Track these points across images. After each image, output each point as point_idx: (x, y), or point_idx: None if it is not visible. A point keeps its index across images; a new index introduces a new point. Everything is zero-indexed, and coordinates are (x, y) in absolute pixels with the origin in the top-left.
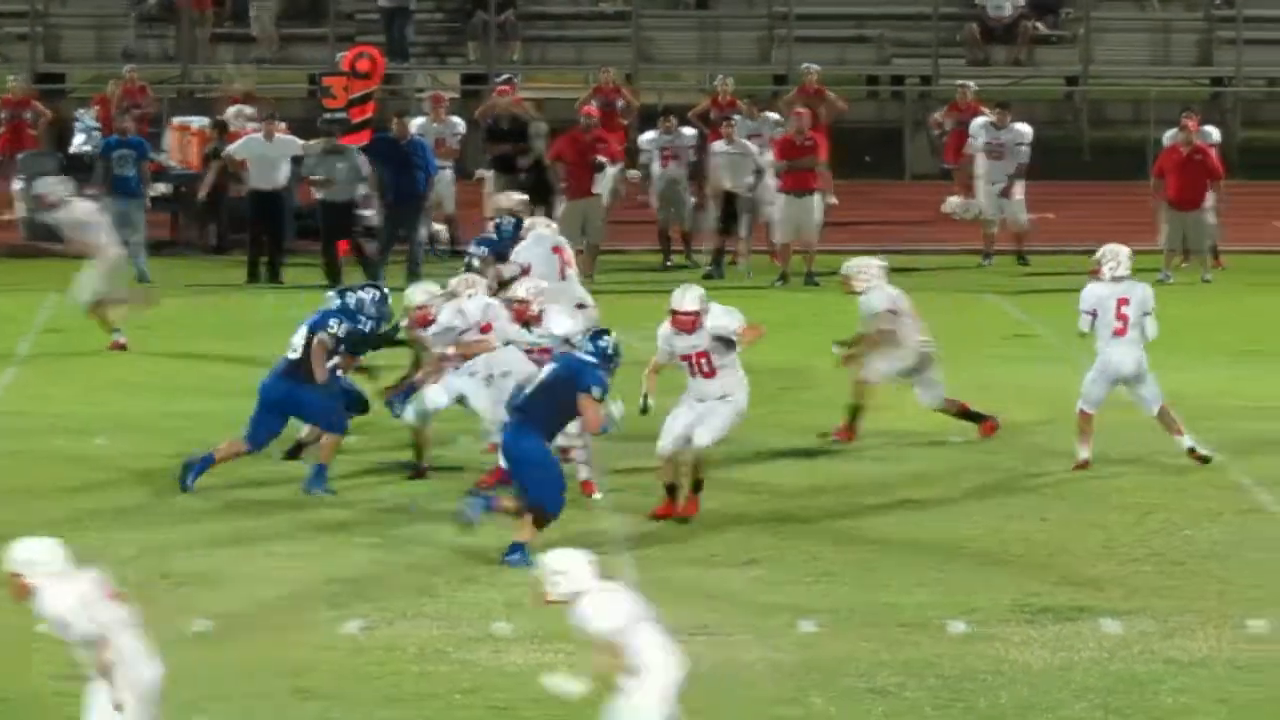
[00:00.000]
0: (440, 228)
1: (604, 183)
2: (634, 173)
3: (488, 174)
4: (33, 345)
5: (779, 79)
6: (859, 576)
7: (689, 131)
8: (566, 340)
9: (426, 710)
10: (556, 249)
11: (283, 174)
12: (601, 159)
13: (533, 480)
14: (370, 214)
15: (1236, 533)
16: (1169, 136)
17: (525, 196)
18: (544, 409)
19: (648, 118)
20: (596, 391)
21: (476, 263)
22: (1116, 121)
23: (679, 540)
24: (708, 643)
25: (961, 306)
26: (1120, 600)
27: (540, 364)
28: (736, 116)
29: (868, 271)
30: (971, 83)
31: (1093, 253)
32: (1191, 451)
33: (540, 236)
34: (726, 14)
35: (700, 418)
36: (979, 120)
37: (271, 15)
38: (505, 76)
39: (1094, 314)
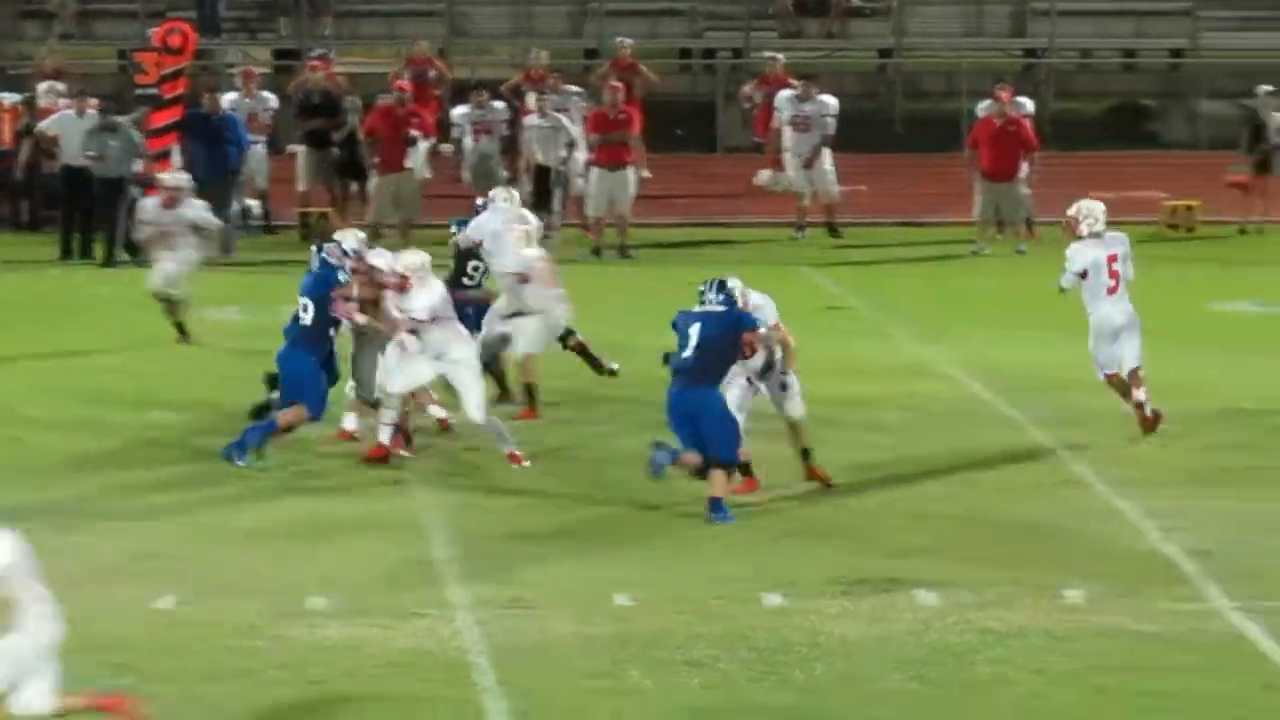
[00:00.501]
0: (253, 203)
1: (417, 157)
2: (446, 147)
3: (300, 149)
4: None
5: (591, 53)
6: (674, 550)
7: (501, 106)
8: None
9: (243, 686)
10: (511, 222)
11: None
12: (414, 133)
13: (711, 434)
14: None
15: (1052, 504)
16: (983, 108)
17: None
18: (712, 361)
19: (460, 92)
20: (759, 329)
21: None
22: (930, 93)
23: (495, 515)
24: (522, 616)
25: (775, 279)
26: (936, 572)
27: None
28: (548, 91)
29: None
30: (780, 55)
31: (906, 224)
32: (1141, 410)
33: (500, 210)
34: None
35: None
36: (785, 93)
37: None
38: (318, 52)
39: (1084, 274)
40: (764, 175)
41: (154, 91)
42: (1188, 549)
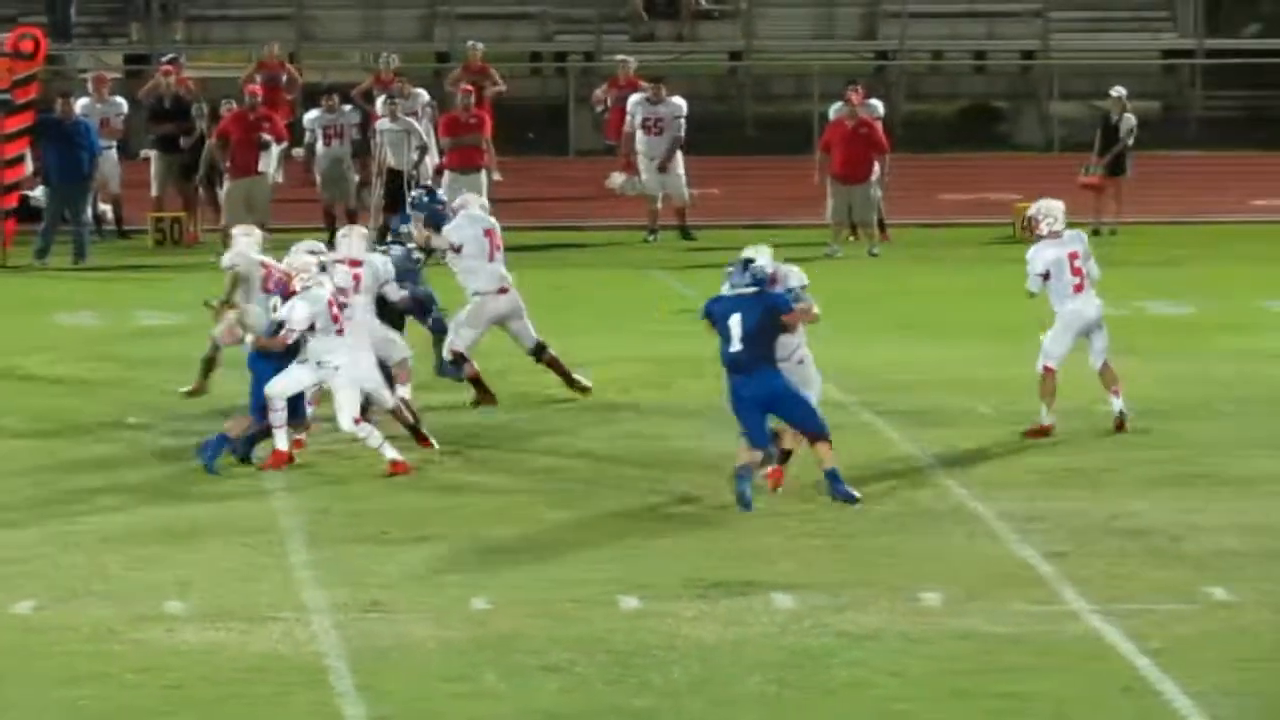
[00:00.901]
0: (106, 207)
1: (269, 161)
2: (298, 151)
3: (152, 154)
4: None
5: (442, 57)
6: (532, 553)
7: (352, 110)
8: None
9: (100, 689)
10: (488, 231)
11: None
12: (266, 137)
13: (794, 413)
14: (35, 194)
15: (907, 506)
16: (834, 110)
17: None
18: (761, 348)
19: (311, 96)
20: (795, 304)
21: (406, 227)
22: (781, 96)
23: (353, 519)
24: (379, 620)
25: (628, 282)
26: (792, 574)
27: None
28: (402, 93)
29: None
30: (631, 59)
31: (759, 227)
32: (1120, 418)
33: (473, 217)
34: None
35: None
36: (636, 96)
37: None
38: (169, 56)
39: (1047, 275)
40: (615, 178)
41: (6, 97)
42: (1044, 551)
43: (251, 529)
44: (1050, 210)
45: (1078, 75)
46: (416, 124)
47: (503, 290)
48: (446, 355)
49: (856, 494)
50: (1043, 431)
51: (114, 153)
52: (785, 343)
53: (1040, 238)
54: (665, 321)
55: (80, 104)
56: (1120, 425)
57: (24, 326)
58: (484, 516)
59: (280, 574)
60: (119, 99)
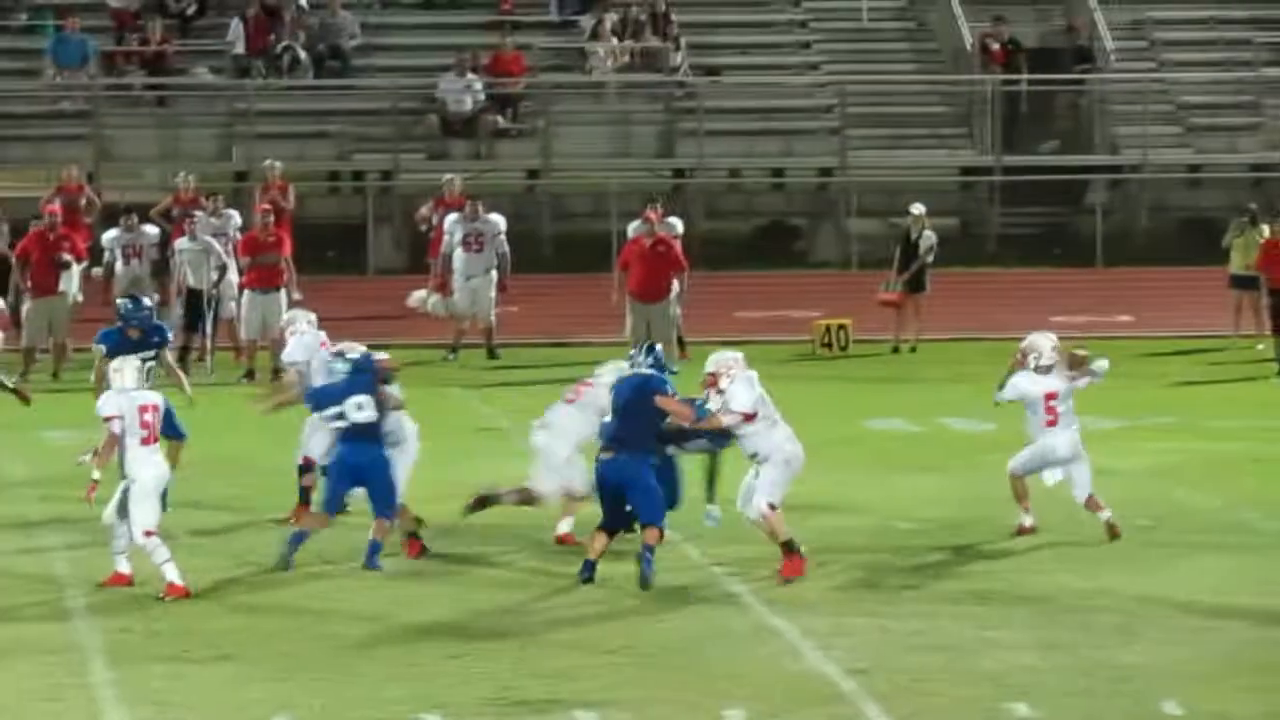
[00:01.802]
0: None
1: (69, 281)
2: (97, 270)
3: None
4: None
5: (240, 175)
6: (332, 669)
7: (151, 229)
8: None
9: None
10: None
11: None
12: (66, 257)
13: (641, 502)
14: None
15: (710, 622)
16: (633, 228)
17: None
18: (634, 429)
19: (110, 215)
20: (669, 389)
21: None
22: (578, 215)
23: (154, 638)
24: None
25: (429, 401)
26: (594, 692)
27: None
28: (199, 213)
29: None
30: (457, 177)
31: (559, 345)
32: (1110, 526)
33: (314, 334)
34: (186, 111)
35: None
36: (453, 215)
37: None
38: None
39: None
40: (418, 295)
41: None
42: (845, 668)
43: (52, 648)
44: (1037, 346)
45: (875, 192)
46: (215, 243)
47: None
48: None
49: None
50: (1027, 531)
51: None
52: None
53: (1025, 370)
54: (464, 439)
55: None
56: (1113, 533)
57: None
58: (283, 634)
59: (83, 693)
60: None
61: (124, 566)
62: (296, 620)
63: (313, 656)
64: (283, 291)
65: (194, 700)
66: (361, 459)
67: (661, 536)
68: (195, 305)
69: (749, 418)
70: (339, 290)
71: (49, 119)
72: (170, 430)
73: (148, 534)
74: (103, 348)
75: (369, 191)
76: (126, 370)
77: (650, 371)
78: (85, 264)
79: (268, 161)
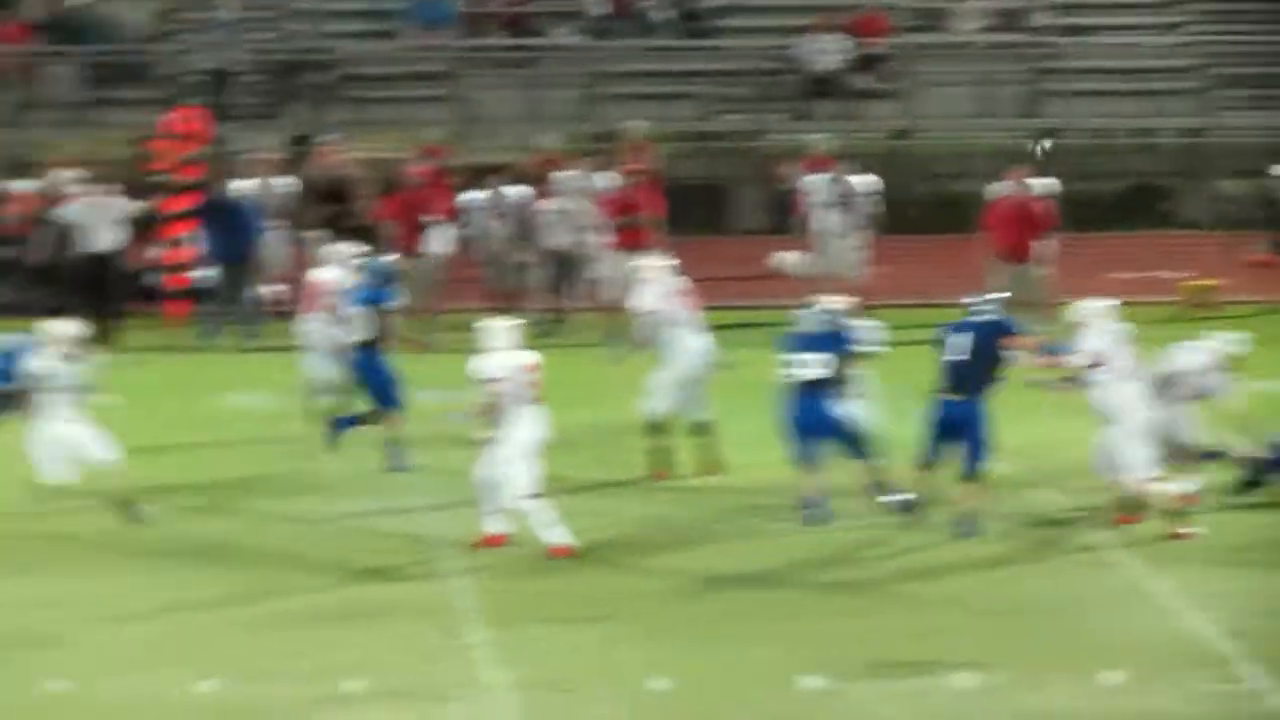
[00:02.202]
0: (269, 289)
1: (432, 242)
2: (462, 232)
3: (313, 235)
4: None
5: (602, 136)
6: (705, 631)
7: (514, 191)
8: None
9: None
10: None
11: (112, 237)
12: (429, 218)
13: (974, 449)
14: (206, 275)
15: (1074, 579)
16: (997, 189)
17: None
18: (980, 372)
19: (473, 176)
20: (1018, 330)
21: None
22: (942, 175)
23: (529, 598)
24: (560, 699)
25: None
26: (972, 653)
27: None
28: (562, 175)
29: None
30: (823, 138)
31: (925, 306)
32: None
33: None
34: (548, 72)
35: None
36: (817, 176)
37: (72, 80)
38: (329, 137)
39: None
40: (784, 257)
41: (167, 178)
42: (1224, 628)
43: (427, 608)
44: None
45: (1242, 153)
46: (578, 204)
47: None
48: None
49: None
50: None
51: (277, 235)
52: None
53: None
54: None
55: (241, 186)
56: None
57: (191, 408)
58: (658, 595)
59: (457, 653)
60: (280, 180)
61: (497, 527)
62: (673, 581)
63: (688, 619)
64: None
65: (569, 660)
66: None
67: (983, 488)
68: (559, 267)
69: (1093, 364)
70: (702, 250)
71: (410, 80)
72: None
73: (530, 495)
74: None
75: (731, 152)
76: (502, 331)
77: (997, 316)
78: (449, 225)
79: (631, 123)
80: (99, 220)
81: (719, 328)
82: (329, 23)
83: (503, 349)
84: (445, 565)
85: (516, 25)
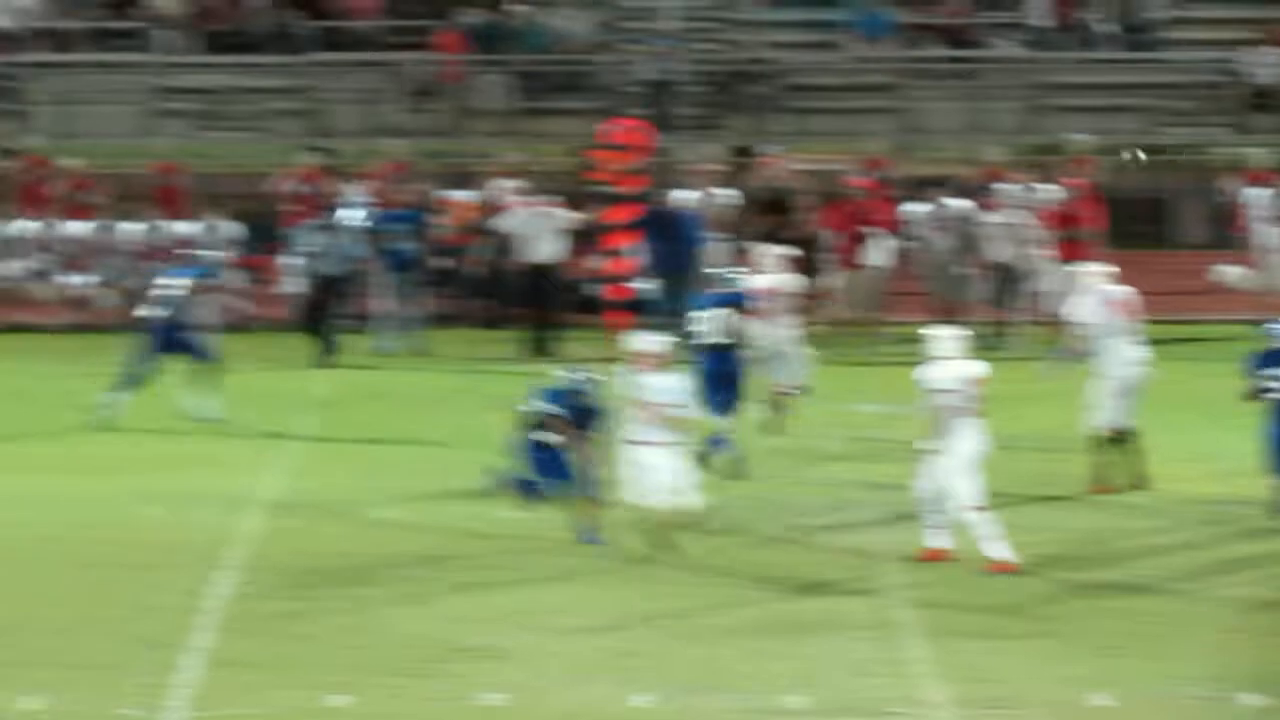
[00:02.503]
0: None
1: (872, 254)
2: (903, 244)
3: (755, 246)
4: (307, 423)
5: (1044, 149)
6: (1143, 647)
7: (957, 203)
8: None
9: None
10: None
11: (551, 247)
12: (870, 230)
13: None
14: (646, 287)
15: None
16: None
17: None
18: None
19: (914, 188)
20: None
21: None
22: None
23: (966, 612)
24: (1000, 716)
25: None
26: None
27: None
28: (1004, 186)
29: None
30: (1262, 151)
31: None
32: None
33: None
34: (991, 84)
35: None
36: (1258, 190)
37: (503, 90)
38: (770, 148)
39: None
40: (1226, 270)
41: (607, 188)
42: None
43: (864, 623)
44: None
45: None
46: (1022, 216)
47: None
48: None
49: None
50: None
51: (717, 245)
52: None
53: None
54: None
55: (683, 196)
56: None
57: None
58: (1099, 610)
59: (896, 668)
60: (722, 191)
61: (941, 541)
62: (1113, 595)
63: (1128, 633)
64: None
65: (1010, 675)
66: None
67: None
68: (1001, 279)
69: None
70: (1143, 264)
71: (854, 91)
72: None
73: (974, 508)
74: None
75: (1174, 166)
76: (949, 341)
77: None
78: (890, 237)
79: (1074, 134)
80: (539, 230)
81: (1158, 341)
82: (771, 33)
83: (950, 359)
84: (885, 579)
85: (958, 37)
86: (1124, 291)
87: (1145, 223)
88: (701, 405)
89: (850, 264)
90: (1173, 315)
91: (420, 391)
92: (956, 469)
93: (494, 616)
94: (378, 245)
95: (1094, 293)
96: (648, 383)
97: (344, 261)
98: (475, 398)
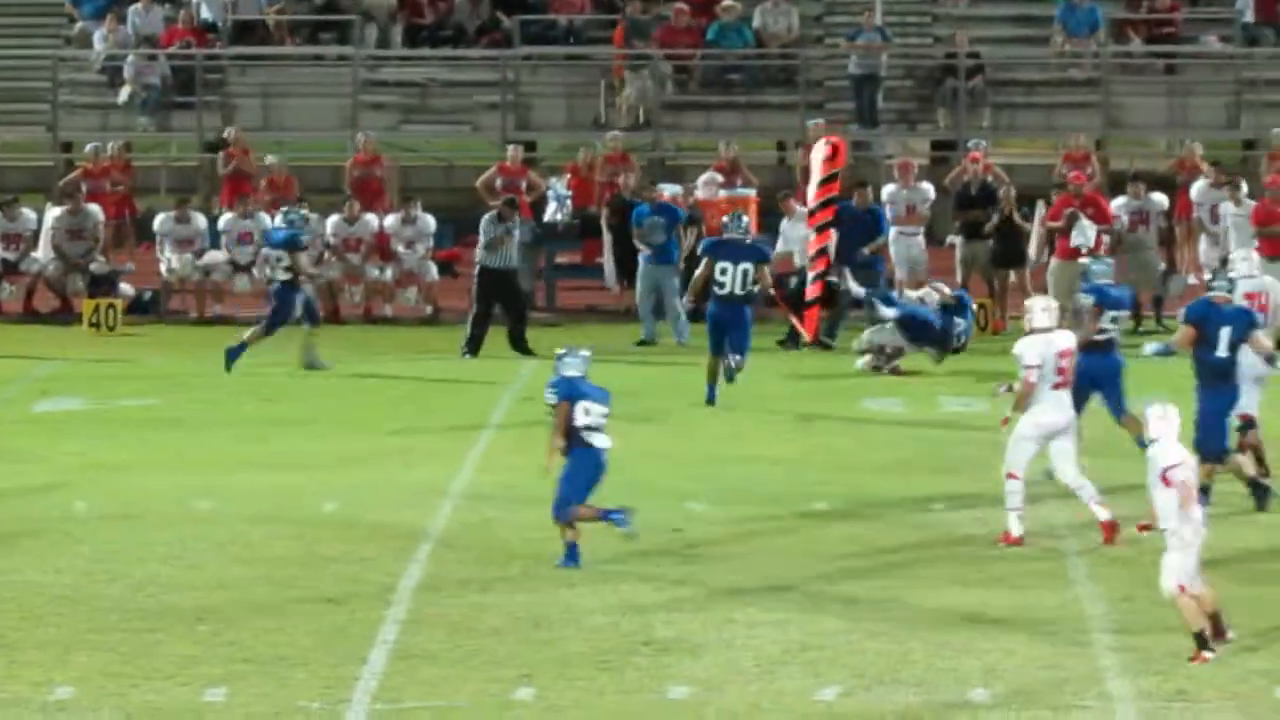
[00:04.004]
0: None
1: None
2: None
3: (957, 240)
4: (507, 413)
5: (1249, 144)
6: None
7: (1159, 197)
8: None
9: None
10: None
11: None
12: (1083, 221)
13: None
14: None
15: None
16: None
17: None
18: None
19: (1118, 183)
20: None
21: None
22: None
23: (1156, 607)
24: (1186, 710)
25: None
26: None
27: None
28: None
29: None
30: None
31: None
32: None
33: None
34: (1195, 79)
35: None
36: None
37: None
38: (975, 142)
39: None
40: None
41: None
42: None
43: (1054, 617)
44: None
45: None
46: (1237, 212)
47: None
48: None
49: None
50: None
51: (920, 239)
52: None
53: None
54: None
55: (886, 190)
56: None
57: (831, 411)
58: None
59: (1085, 662)
60: (925, 185)
61: (1105, 514)
62: None
63: None
64: None
65: (1198, 671)
66: None
67: None
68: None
69: None
70: None
71: (1057, 86)
72: None
73: (1010, 476)
74: None
75: None
76: (1044, 312)
77: None
78: (1101, 228)
79: (1276, 129)
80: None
81: None
82: (976, 28)
83: (1045, 330)
84: (1072, 573)
85: (1163, 32)
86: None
87: None
88: None
89: (1066, 254)
90: None
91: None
92: (1057, 448)
93: (680, 608)
94: (642, 239)
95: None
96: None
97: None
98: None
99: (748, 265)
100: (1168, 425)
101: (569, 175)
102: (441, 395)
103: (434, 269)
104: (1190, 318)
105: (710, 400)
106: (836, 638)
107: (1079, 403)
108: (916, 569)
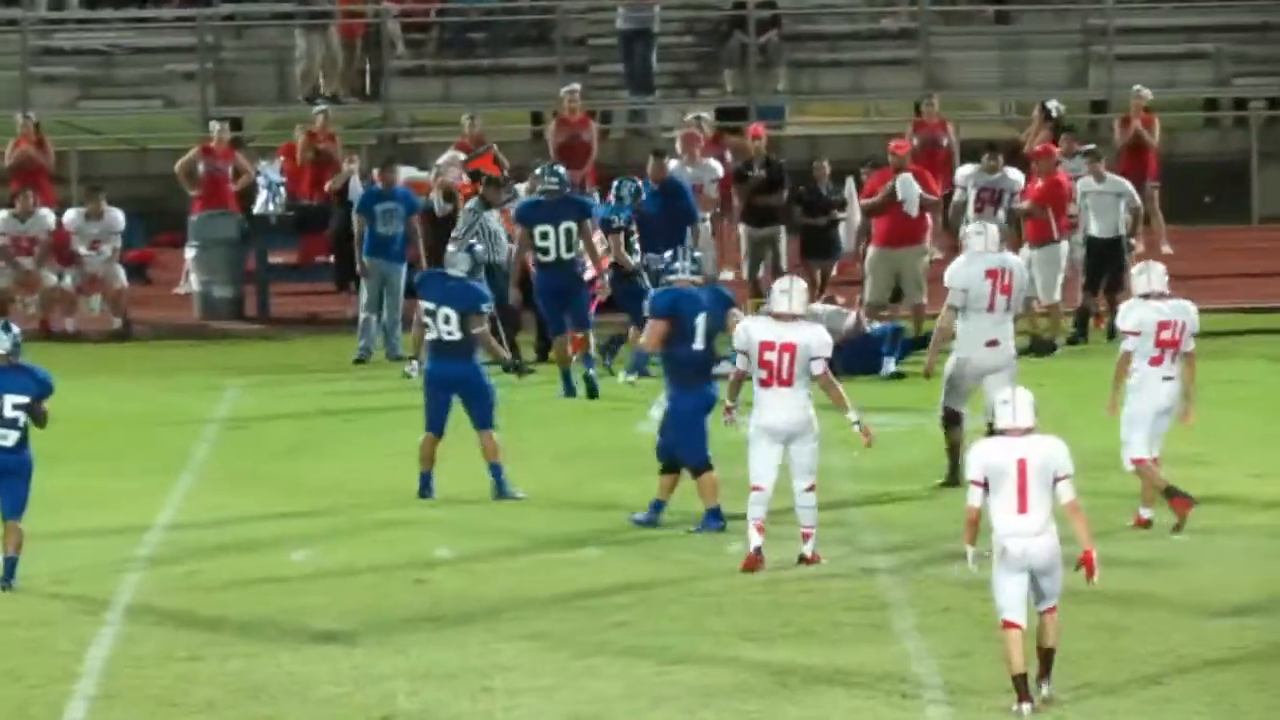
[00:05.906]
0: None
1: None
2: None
3: (740, 228)
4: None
5: (1097, 105)
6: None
7: (1015, 174)
8: None
9: None
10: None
11: None
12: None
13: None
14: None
15: None
16: None
17: None
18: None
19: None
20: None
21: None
22: None
23: (999, 661)
24: None
25: None
26: None
27: None
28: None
29: None
30: None
31: None
32: None
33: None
34: (1031, 29)
35: None
36: None
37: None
38: (764, 112)
39: None
40: None
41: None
42: None
43: (877, 675)
44: None
45: None
46: (1127, 184)
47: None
48: None
49: None
50: None
51: (707, 226)
52: None
53: None
54: None
55: (671, 165)
56: None
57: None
58: (1144, 658)
59: None
60: (712, 162)
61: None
62: (1152, 646)
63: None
64: None
65: None
66: None
67: None
68: (1100, 257)
69: None
70: (1215, 241)
71: (867, 40)
72: None
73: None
74: None
75: (1253, 123)
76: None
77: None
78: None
79: (1135, 87)
80: None
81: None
82: None
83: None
84: (898, 624)
85: None
86: None
87: (1218, 193)
88: None
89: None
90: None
91: None
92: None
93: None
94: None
95: None
96: None
97: None
98: None
99: (570, 224)
100: None
101: (282, 159)
102: (135, 428)
103: (123, 273)
104: (659, 310)
105: (569, 393)
106: (615, 706)
107: None
108: (706, 619)
